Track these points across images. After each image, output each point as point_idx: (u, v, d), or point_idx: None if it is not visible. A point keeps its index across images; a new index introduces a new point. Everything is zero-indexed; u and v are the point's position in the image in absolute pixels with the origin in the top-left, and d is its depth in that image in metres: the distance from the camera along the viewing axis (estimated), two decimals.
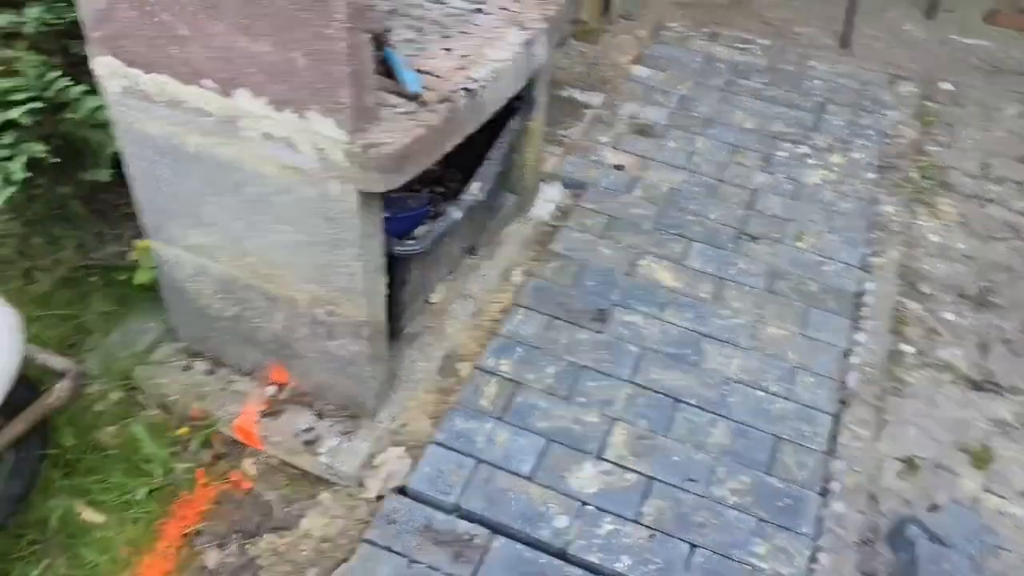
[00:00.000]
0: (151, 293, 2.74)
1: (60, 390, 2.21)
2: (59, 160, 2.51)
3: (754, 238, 3.37)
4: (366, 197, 1.99)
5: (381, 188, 1.94)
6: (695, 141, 3.87)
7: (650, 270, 3.17)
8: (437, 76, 2.14)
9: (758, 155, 3.82)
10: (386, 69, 2.11)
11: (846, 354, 2.94)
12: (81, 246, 2.95)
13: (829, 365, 2.89)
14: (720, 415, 2.68)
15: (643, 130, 3.91)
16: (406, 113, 2.00)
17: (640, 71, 4.31)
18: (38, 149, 2.36)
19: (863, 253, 3.35)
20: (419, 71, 2.13)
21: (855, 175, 3.76)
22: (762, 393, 2.77)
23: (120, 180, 2.48)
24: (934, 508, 2.42)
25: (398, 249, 2.30)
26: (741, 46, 4.63)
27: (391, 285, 2.36)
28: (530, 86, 2.84)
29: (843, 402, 2.79)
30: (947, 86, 4.53)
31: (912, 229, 3.57)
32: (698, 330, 2.95)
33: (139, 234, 2.60)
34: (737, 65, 4.45)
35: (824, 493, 2.51)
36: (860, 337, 3.01)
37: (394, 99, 2.04)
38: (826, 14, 4.93)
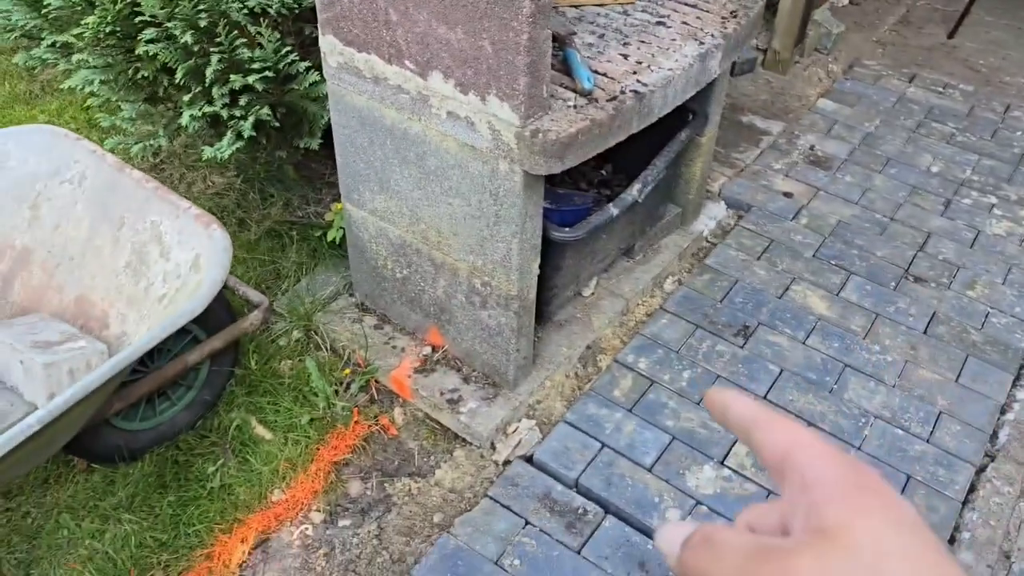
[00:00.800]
0: (338, 251, 3.10)
1: (253, 318, 2.58)
2: (280, 126, 2.91)
3: (919, 280, 3.29)
4: (529, 178, 2.20)
5: (543, 171, 2.14)
6: (873, 178, 3.81)
7: (803, 296, 3.19)
8: (610, 77, 2.32)
9: (939, 199, 3.71)
10: (565, 67, 2.32)
11: (1002, 409, 2.83)
12: (287, 204, 3.37)
13: (981, 417, 2.79)
14: (852, 445, 2.67)
15: (819, 162, 3.90)
16: (576, 107, 2.19)
17: (826, 104, 4.29)
18: (265, 113, 2.76)
19: None
20: (594, 71, 2.32)
21: None
22: (901, 431, 2.72)
23: (327, 150, 2.85)
24: None
25: (555, 234, 2.49)
26: (940, 90, 4.48)
27: (545, 268, 2.56)
28: (704, 101, 2.97)
29: (989, 456, 2.69)
30: None
31: None
32: (843, 360, 2.94)
33: (337, 198, 2.96)
34: (932, 108, 4.32)
35: (952, 541, 2.44)
36: (1021, 395, 2.88)
37: (568, 94, 2.23)
38: None
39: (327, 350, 2.88)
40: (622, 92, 2.26)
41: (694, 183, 3.30)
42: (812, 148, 3.99)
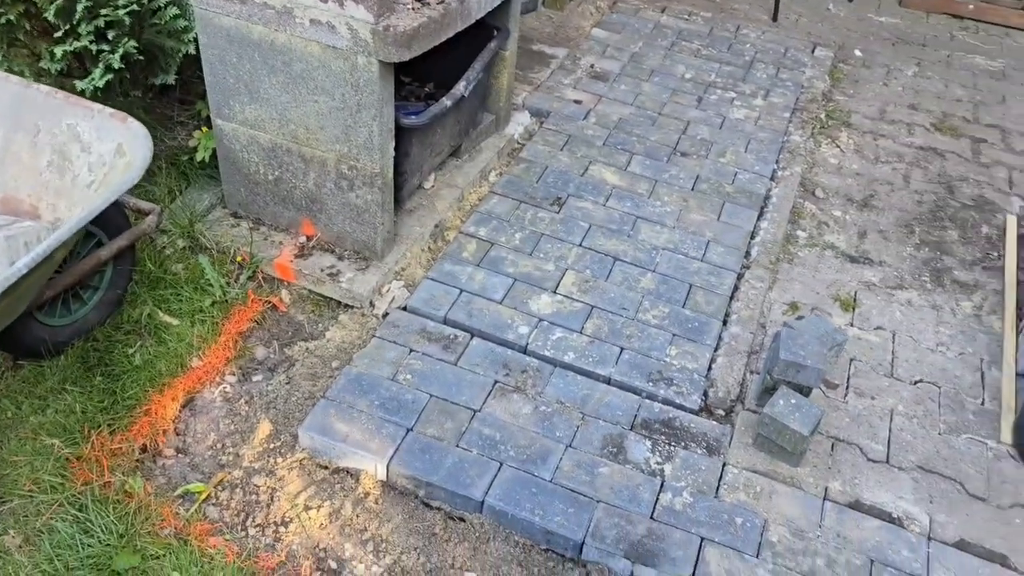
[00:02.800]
0: (207, 171, 3.51)
1: (150, 220, 2.97)
2: (143, 59, 3.27)
3: (684, 154, 4.18)
4: (383, 68, 2.78)
5: (396, 59, 2.72)
6: (642, 86, 4.70)
7: (599, 173, 3.98)
8: None
9: (693, 97, 4.66)
10: None
11: (752, 235, 3.75)
12: None
13: (737, 240, 3.69)
14: (649, 269, 3.47)
15: (599, 76, 4.73)
16: (414, 9, 2.79)
17: (599, 32, 5.14)
18: (132, 46, 3.13)
19: (773, 168, 4.18)
20: None
21: (772, 114, 4.59)
22: (683, 256, 3.56)
23: (181, 91, 3.23)
24: (800, 318, 3.21)
25: (405, 121, 3.08)
26: (686, 17, 5.48)
27: (396, 155, 3.14)
28: (505, 18, 3.66)
29: (746, 266, 3.59)
30: (858, 52, 5.40)
31: (815, 154, 4.40)
32: (635, 214, 3.75)
33: (195, 129, 3.36)
34: (681, 31, 5.29)
35: (725, 321, 3.30)
36: (764, 224, 3.82)
37: (408, 1, 2.83)
38: None
39: (214, 251, 3.30)
40: None
41: (503, 93, 4.00)
42: (592, 66, 4.82)
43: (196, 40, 3.14)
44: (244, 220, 3.43)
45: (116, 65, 3.11)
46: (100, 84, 3.09)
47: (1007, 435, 2.92)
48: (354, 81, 2.82)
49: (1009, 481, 2.79)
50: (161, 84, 3.49)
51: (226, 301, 3.14)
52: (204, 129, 3.39)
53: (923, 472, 2.79)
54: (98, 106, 2.51)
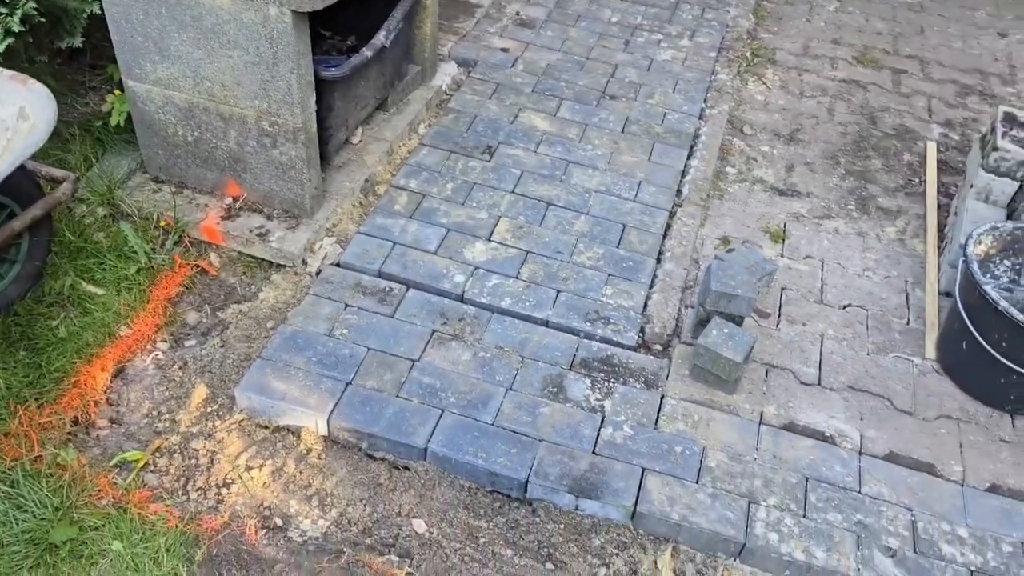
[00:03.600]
0: (123, 136, 3.40)
1: (65, 188, 2.86)
2: (46, 21, 3.13)
3: (613, 97, 4.18)
4: (297, 19, 2.70)
5: (308, 7, 2.65)
6: (568, 31, 4.66)
7: (529, 120, 3.96)
8: None
9: (620, 40, 4.64)
10: None
11: (683, 173, 3.78)
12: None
13: (668, 180, 3.72)
14: (582, 212, 3.48)
15: (525, 23, 4.68)
16: None
17: None
18: (32, 7, 2.99)
19: (701, 107, 4.20)
20: None
21: (699, 54, 4.61)
22: (615, 198, 3.58)
23: (93, 58, 3.09)
24: (730, 251, 3.26)
25: (324, 73, 3.01)
26: None
27: (319, 110, 3.07)
28: None
29: (677, 204, 3.62)
30: None
31: (742, 92, 4.44)
32: (566, 158, 3.75)
33: (108, 93, 3.24)
34: None
35: (659, 259, 3.34)
36: (694, 162, 3.85)
37: None
38: None
39: (136, 218, 3.21)
40: None
41: (427, 43, 3.93)
42: (517, 14, 4.76)
43: None
44: (166, 184, 3.33)
45: (16, 28, 2.96)
46: (0, 49, 2.95)
47: (931, 351, 3.03)
48: (267, 33, 2.74)
49: (934, 394, 2.89)
50: (68, 48, 3.34)
51: (152, 268, 3.06)
52: (117, 92, 3.27)
53: (853, 391, 2.88)
54: None
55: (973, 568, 2.39)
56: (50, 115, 2.32)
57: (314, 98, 2.99)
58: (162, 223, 3.14)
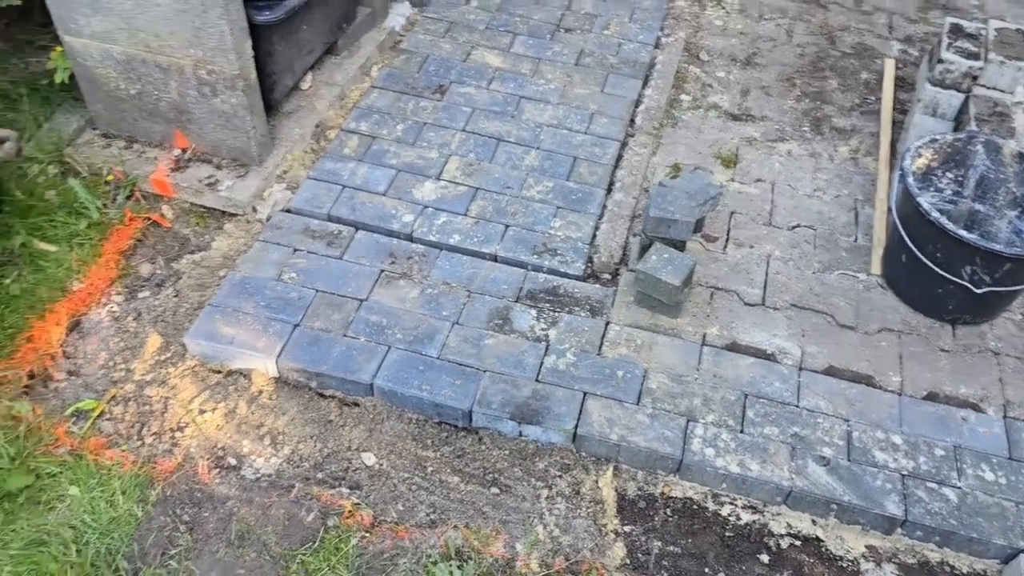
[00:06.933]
0: (71, 94, 3.40)
1: (8, 147, 2.90)
2: None
3: (568, 30, 4.14)
4: None
5: None
6: None
7: (482, 57, 3.93)
8: None
9: None
10: None
11: (636, 103, 3.76)
12: (5, 71, 3.56)
13: (621, 110, 3.70)
14: (533, 147, 3.48)
15: None
16: None
17: None
18: None
19: (657, 35, 4.16)
20: None
21: None
22: (567, 131, 3.57)
23: (43, 17, 3.06)
24: (675, 177, 3.27)
25: (258, 17, 3.00)
26: None
27: (258, 55, 3.06)
28: None
29: (630, 135, 3.62)
30: None
31: (699, 18, 4.38)
32: (518, 94, 3.73)
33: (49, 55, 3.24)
34: None
35: (609, 190, 3.35)
36: (648, 91, 3.83)
37: None
38: None
39: (86, 174, 3.23)
40: None
41: None
42: None
43: None
44: (116, 140, 3.34)
45: None
46: None
47: (876, 267, 3.05)
48: None
49: (877, 309, 2.93)
50: (13, 7, 3.33)
51: (103, 223, 3.10)
52: (58, 49, 3.26)
53: (797, 309, 2.91)
54: None
55: (904, 472, 2.45)
56: None
57: (250, 44, 2.98)
58: (110, 177, 3.16)
